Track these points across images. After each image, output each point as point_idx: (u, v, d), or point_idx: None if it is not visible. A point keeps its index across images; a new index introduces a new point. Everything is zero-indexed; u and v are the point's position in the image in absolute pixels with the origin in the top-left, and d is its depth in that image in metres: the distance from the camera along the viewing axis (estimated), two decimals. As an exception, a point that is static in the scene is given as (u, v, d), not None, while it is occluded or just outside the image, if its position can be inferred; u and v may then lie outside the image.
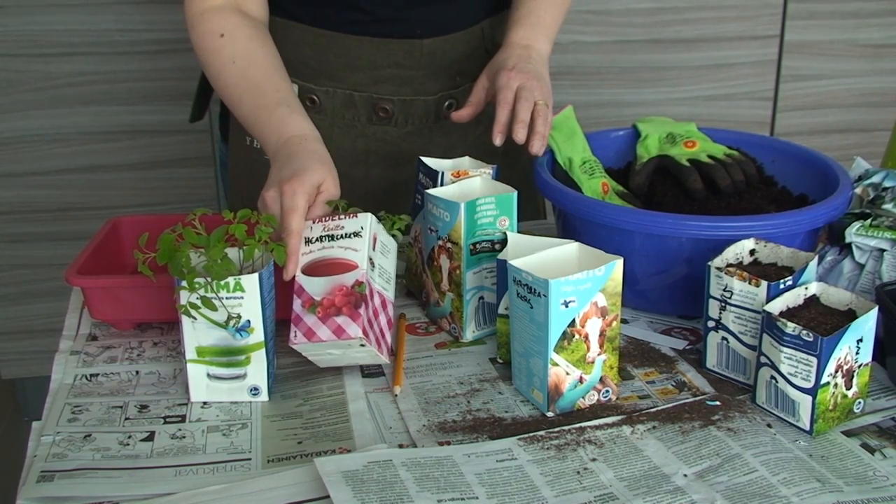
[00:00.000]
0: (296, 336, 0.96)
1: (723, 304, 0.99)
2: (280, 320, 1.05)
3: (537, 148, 1.16)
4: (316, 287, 0.95)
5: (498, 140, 1.17)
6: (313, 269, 0.95)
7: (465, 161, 1.18)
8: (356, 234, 0.94)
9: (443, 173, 1.13)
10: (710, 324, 1.01)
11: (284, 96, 1.16)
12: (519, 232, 1.07)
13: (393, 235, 1.03)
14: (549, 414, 0.95)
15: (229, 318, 0.94)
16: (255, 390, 0.98)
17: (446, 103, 1.33)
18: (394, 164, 1.34)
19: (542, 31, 1.29)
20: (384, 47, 1.27)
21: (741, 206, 1.18)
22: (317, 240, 0.95)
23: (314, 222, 0.94)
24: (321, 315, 0.95)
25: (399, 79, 1.29)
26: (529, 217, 1.39)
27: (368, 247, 0.95)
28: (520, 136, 1.15)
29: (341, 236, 0.94)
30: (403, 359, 1.05)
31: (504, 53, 1.25)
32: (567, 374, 0.94)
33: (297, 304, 0.96)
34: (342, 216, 0.94)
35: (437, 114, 1.34)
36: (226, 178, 1.42)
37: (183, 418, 0.95)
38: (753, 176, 1.23)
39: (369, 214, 0.94)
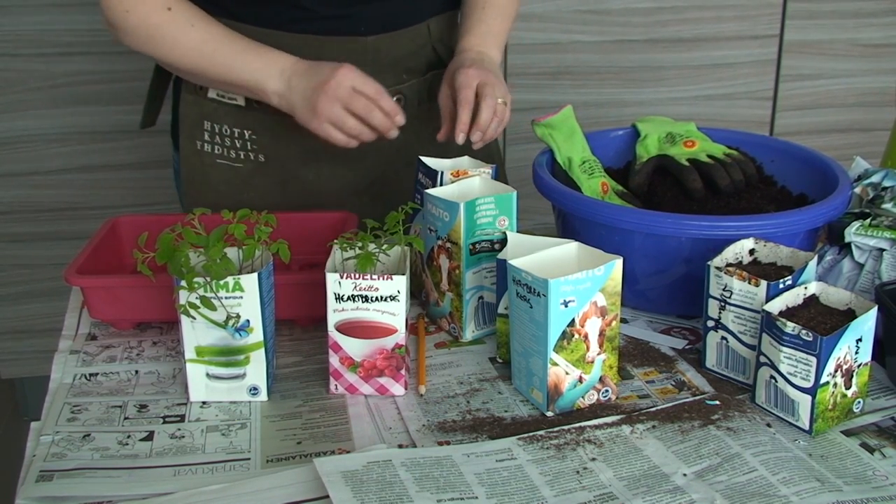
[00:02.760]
0: (336, 388, 0.99)
1: (722, 304, 0.99)
2: (280, 320, 1.05)
3: (475, 139, 1.19)
4: (355, 348, 0.97)
5: (461, 139, 1.19)
6: (348, 329, 0.96)
7: (465, 161, 1.18)
8: (393, 298, 0.94)
9: (442, 173, 1.13)
10: (710, 323, 1.01)
11: (255, 42, 1.21)
12: (518, 232, 1.07)
13: (409, 244, 1.02)
14: (549, 413, 0.95)
15: (228, 317, 0.94)
16: (254, 390, 0.98)
17: (394, 99, 1.33)
18: (344, 161, 1.34)
19: (491, 39, 1.31)
20: (328, 45, 1.26)
21: (741, 205, 1.18)
22: (349, 298, 0.95)
23: (342, 277, 0.94)
24: (363, 375, 0.98)
25: None
26: None
27: (406, 309, 0.96)
28: (475, 137, 1.19)
29: (376, 299, 0.95)
30: (425, 357, 1.06)
31: (458, 59, 1.28)
32: (566, 373, 0.94)
33: (334, 359, 0.98)
34: (374, 277, 0.94)
35: None
36: (179, 185, 1.41)
37: (182, 418, 0.95)
38: (753, 176, 1.23)
39: (405, 277, 0.94)
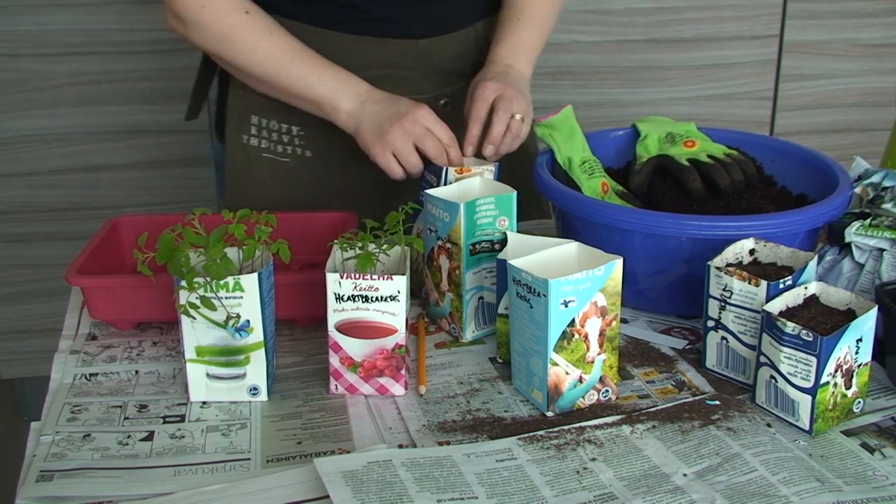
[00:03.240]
0: (337, 388, 0.99)
1: (722, 304, 0.99)
2: (280, 320, 1.05)
3: (487, 153, 1.20)
4: (355, 348, 0.97)
5: (469, 151, 1.20)
6: (348, 329, 0.96)
7: (470, 159, 1.19)
8: (393, 298, 0.95)
9: (447, 170, 1.14)
10: (710, 323, 1.01)
11: (331, 62, 1.21)
12: (518, 232, 1.07)
13: (410, 243, 1.02)
14: (549, 414, 0.95)
15: (228, 317, 0.94)
16: (254, 390, 0.98)
17: (442, 102, 1.34)
18: None
19: (522, 53, 1.31)
20: (382, 47, 1.28)
21: (741, 205, 1.18)
22: (349, 298, 0.95)
23: (342, 277, 0.94)
24: (363, 375, 0.98)
25: (395, 78, 1.29)
26: (537, 217, 1.39)
27: (406, 309, 0.96)
28: (487, 152, 1.20)
29: (376, 299, 0.95)
30: (425, 357, 1.06)
31: (484, 71, 1.28)
32: (567, 373, 0.94)
33: (334, 359, 0.98)
34: (374, 277, 0.94)
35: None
36: (221, 177, 1.42)
37: (182, 418, 0.95)
38: (753, 176, 1.23)
39: (405, 277, 0.94)
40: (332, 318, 0.96)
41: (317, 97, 1.21)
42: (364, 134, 1.19)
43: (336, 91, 1.20)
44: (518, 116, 1.19)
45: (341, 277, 0.94)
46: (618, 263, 0.94)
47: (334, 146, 1.30)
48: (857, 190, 1.19)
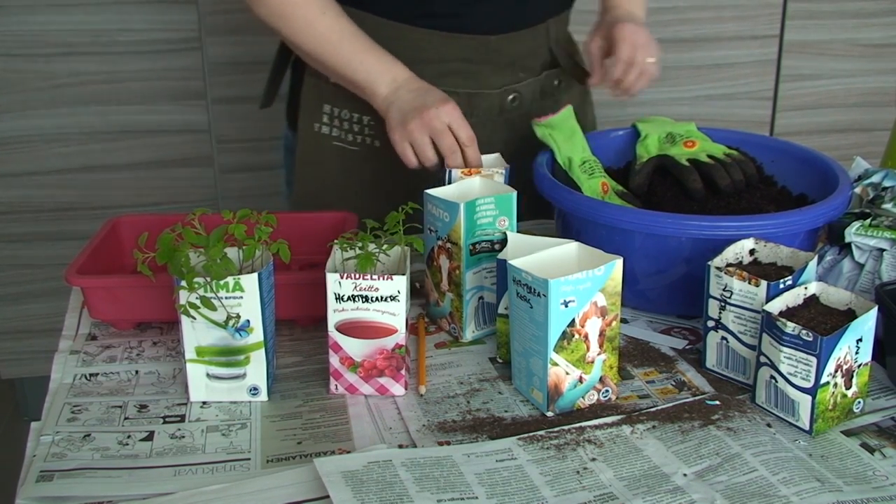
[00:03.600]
0: (337, 388, 0.99)
1: (722, 304, 0.99)
2: (280, 320, 1.06)
3: (616, 94, 1.28)
4: (355, 348, 0.97)
5: (608, 83, 1.28)
6: (348, 329, 0.96)
7: (485, 158, 1.20)
8: (393, 298, 0.95)
9: (451, 170, 1.15)
10: (710, 323, 1.01)
11: (377, 45, 1.24)
12: (518, 232, 1.07)
13: (409, 243, 1.02)
14: (549, 414, 0.95)
15: (228, 317, 0.94)
16: (254, 390, 0.98)
17: (510, 97, 1.35)
18: None
19: (636, 1, 1.40)
20: (453, 42, 1.29)
21: (741, 205, 1.18)
22: (349, 298, 0.95)
23: (342, 278, 0.95)
24: (363, 375, 0.98)
25: (464, 73, 1.31)
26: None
27: (406, 309, 0.96)
28: (616, 94, 1.27)
29: (376, 299, 0.95)
30: (425, 357, 1.06)
31: (612, 14, 1.34)
32: (567, 373, 0.94)
33: (334, 359, 0.98)
34: (374, 277, 0.94)
35: (500, 107, 1.36)
36: (290, 164, 1.45)
37: (182, 418, 0.95)
38: (753, 176, 1.23)
39: (405, 277, 0.94)
40: (332, 318, 0.96)
41: (358, 80, 1.24)
42: (389, 119, 1.22)
43: (375, 75, 1.23)
44: (652, 59, 1.25)
45: (341, 277, 0.94)
46: (618, 263, 0.94)
47: None
48: (857, 190, 1.19)
